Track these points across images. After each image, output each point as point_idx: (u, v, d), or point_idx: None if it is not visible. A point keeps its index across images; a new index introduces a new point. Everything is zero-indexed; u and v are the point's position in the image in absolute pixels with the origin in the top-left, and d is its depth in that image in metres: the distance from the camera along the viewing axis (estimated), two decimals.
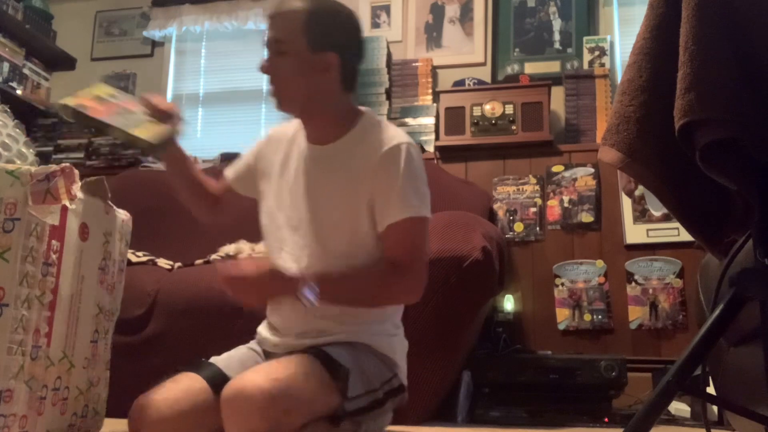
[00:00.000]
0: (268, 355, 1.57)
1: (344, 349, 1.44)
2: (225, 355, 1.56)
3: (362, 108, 1.59)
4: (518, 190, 3.06)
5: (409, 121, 3.22)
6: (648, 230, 2.87)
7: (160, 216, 2.91)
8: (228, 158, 3.10)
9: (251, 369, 1.33)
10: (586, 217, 2.95)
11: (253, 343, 1.64)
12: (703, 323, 0.97)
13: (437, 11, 3.49)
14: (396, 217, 1.44)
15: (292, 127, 1.63)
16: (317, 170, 1.53)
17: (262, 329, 1.63)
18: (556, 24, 3.33)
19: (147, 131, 1.46)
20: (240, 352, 1.59)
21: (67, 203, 1.30)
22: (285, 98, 1.50)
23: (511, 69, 3.31)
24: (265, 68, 1.48)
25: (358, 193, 1.47)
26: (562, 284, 2.90)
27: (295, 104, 1.51)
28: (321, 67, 1.46)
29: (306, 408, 1.30)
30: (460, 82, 3.28)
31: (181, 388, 1.43)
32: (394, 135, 1.49)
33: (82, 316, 1.39)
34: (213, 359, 1.53)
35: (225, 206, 1.70)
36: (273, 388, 1.25)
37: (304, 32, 1.44)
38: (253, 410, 1.23)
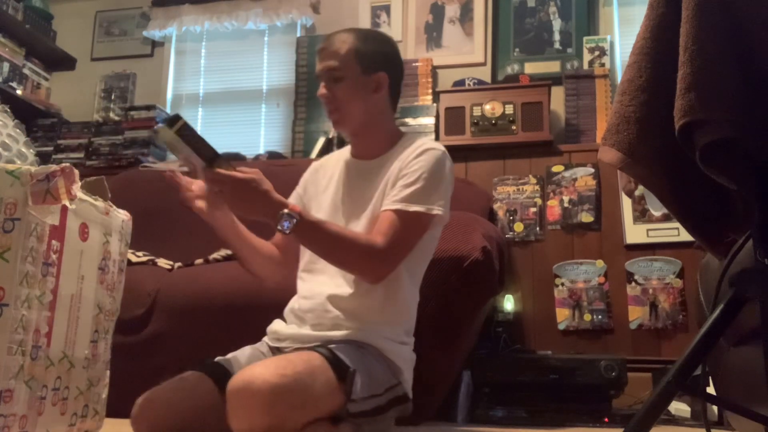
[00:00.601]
0: (275, 353, 1.58)
1: (353, 350, 1.45)
2: (230, 355, 1.58)
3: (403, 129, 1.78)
4: (518, 190, 3.06)
5: (409, 121, 3.22)
6: (648, 230, 2.87)
7: (160, 216, 2.91)
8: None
9: (259, 363, 1.33)
10: (586, 217, 2.95)
11: (259, 344, 1.65)
12: (703, 323, 0.97)
13: (437, 11, 3.49)
14: (396, 206, 1.52)
15: (336, 152, 1.80)
16: (359, 181, 1.65)
17: (275, 325, 1.64)
18: (556, 24, 3.33)
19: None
20: (245, 352, 1.60)
21: (67, 203, 1.29)
22: (345, 119, 1.63)
23: (511, 69, 3.31)
24: (325, 96, 1.62)
25: (386, 188, 1.58)
26: (562, 284, 2.90)
27: (354, 123, 1.64)
28: (374, 86, 1.63)
29: (311, 406, 1.31)
30: (460, 82, 3.28)
31: (186, 387, 1.44)
32: (432, 142, 1.65)
33: (82, 316, 1.39)
34: (219, 359, 1.54)
35: (290, 254, 1.72)
36: (280, 383, 1.25)
37: (356, 58, 1.60)
38: (259, 404, 1.23)
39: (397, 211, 1.51)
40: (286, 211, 1.39)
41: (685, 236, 2.70)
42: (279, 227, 1.39)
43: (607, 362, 2.27)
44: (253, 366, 1.31)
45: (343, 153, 1.75)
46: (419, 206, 1.51)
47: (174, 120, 1.37)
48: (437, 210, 1.54)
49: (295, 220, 1.39)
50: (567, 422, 2.22)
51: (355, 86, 1.61)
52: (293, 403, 1.26)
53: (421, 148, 1.60)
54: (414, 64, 3.35)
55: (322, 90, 1.63)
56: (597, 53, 3.20)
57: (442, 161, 1.59)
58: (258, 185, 1.39)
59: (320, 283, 1.59)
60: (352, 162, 1.70)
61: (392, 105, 1.71)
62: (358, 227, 1.58)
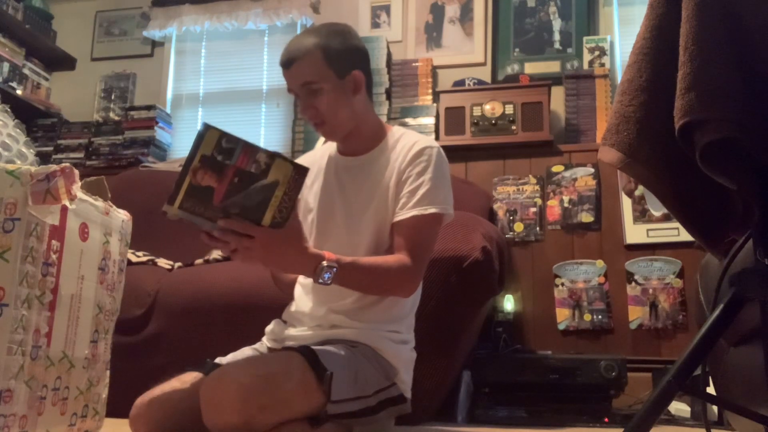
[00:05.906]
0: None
1: (343, 350, 1.44)
2: (230, 355, 1.58)
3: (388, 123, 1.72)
4: (518, 190, 3.06)
5: (409, 121, 3.22)
6: (648, 230, 2.87)
7: (161, 216, 2.90)
8: None
9: (234, 362, 1.33)
10: (586, 217, 2.95)
11: (258, 345, 1.65)
12: (703, 323, 0.97)
13: (437, 11, 3.49)
14: (412, 213, 1.52)
15: (319, 150, 1.75)
16: (351, 179, 1.62)
17: (273, 325, 1.64)
18: (556, 24, 3.33)
19: (271, 210, 1.29)
20: (244, 353, 1.60)
21: (67, 203, 1.29)
22: (334, 130, 1.59)
23: (511, 69, 3.31)
24: (311, 113, 1.55)
25: (388, 191, 1.56)
26: (562, 284, 2.90)
27: (344, 130, 1.59)
28: (353, 87, 1.56)
29: (283, 406, 1.30)
30: (460, 82, 3.28)
31: (185, 387, 1.45)
32: (424, 139, 1.61)
33: (82, 316, 1.39)
34: (218, 360, 1.54)
35: None
36: (250, 383, 1.25)
37: (328, 65, 1.51)
38: (228, 403, 1.24)
39: (413, 218, 1.51)
40: (325, 263, 1.36)
41: (685, 236, 2.70)
42: (320, 280, 1.37)
43: (607, 362, 2.27)
44: (229, 365, 1.31)
45: (327, 150, 1.71)
46: (434, 207, 1.52)
47: (173, 196, 1.28)
48: (449, 208, 1.55)
49: (334, 269, 1.37)
50: (567, 422, 2.22)
51: (335, 95, 1.53)
52: (263, 403, 1.26)
53: (417, 146, 1.57)
54: (414, 64, 3.35)
55: (304, 109, 1.56)
56: (597, 53, 3.20)
57: (440, 159, 1.58)
58: (292, 239, 1.32)
59: (319, 286, 1.58)
60: (340, 159, 1.66)
61: (370, 96, 1.65)
62: (361, 228, 1.57)
